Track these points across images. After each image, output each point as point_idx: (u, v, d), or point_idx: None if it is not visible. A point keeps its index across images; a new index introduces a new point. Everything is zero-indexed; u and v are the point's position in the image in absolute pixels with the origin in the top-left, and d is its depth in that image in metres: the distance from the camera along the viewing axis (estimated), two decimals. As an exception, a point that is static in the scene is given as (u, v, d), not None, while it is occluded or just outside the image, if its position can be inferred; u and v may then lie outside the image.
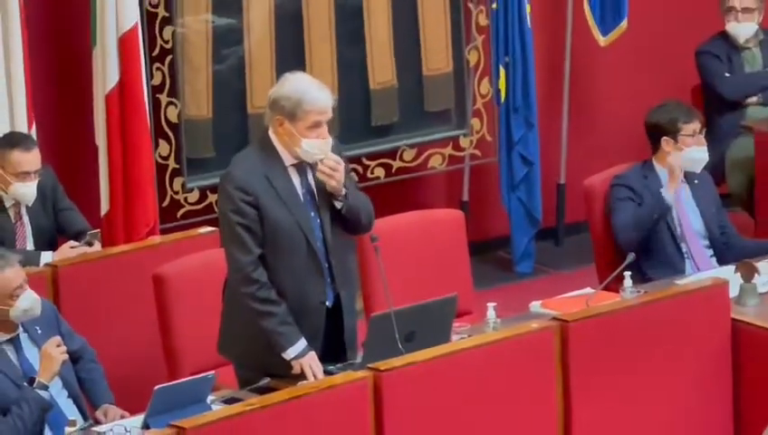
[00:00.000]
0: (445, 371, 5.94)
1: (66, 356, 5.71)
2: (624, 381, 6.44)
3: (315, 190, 5.93)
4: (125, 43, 8.21)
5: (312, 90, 5.71)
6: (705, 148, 7.74)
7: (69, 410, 5.70)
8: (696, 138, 7.63)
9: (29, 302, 5.79)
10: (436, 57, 9.58)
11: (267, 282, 5.79)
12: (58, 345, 5.68)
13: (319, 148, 5.59)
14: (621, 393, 6.46)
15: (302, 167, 5.76)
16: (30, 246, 7.63)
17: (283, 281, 5.82)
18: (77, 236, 7.68)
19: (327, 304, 5.85)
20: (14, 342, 5.80)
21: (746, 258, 7.32)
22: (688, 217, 7.91)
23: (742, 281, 6.92)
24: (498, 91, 9.56)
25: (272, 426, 5.49)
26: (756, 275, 6.89)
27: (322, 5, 9.36)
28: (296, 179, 5.86)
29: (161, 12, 8.56)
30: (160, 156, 8.61)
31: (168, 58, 8.69)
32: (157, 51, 8.62)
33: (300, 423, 5.55)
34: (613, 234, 7.77)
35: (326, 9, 9.30)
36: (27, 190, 7.33)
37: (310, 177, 5.86)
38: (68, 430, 5.38)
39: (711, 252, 7.95)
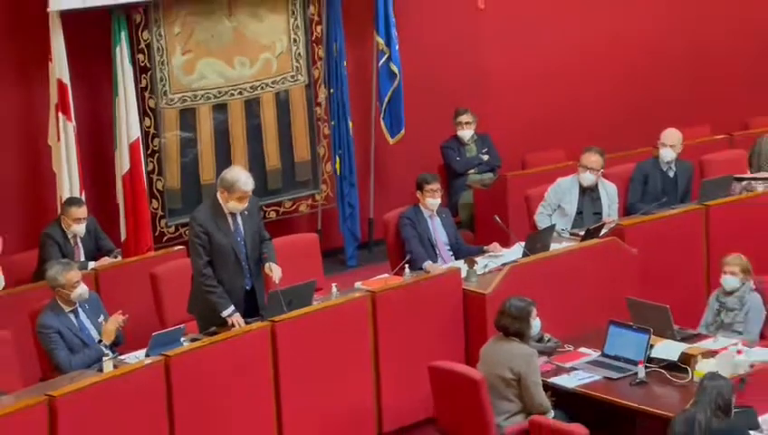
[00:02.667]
0: (310, 322, 8.69)
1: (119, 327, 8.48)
2: (405, 331, 9.15)
3: (242, 228, 8.93)
4: (133, 147, 11.10)
5: (242, 178, 8.68)
6: (439, 198, 10.91)
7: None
8: (434, 193, 10.65)
9: (82, 290, 8.44)
10: (302, 151, 12.56)
11: (212, 275, 8.67)
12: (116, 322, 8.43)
13: (239, 208, 8.75)
14: (404, 336, 9.15)
15: (234, 215, 8.75)
16: (82, 258, 10.01)
17: (221, 275, 8.72)
18: (108, 253, 10.51)
19: (247, 288, 8.95)
20: (75, 312, 8.45)
21: (470, 256, 10.35)
22: (439, 234, 10.79)
23: (467, 268, 9.86)
24: (335, 169, 12.78)
25: (217, 354, 8.16)
26: (475, 264, 9.87)
27: (239, 124, 12.13)
28: (231, 221, 8.83)
29: (152, 129, 11.48)
30: (153, 207, 11.56)
31: (156, 155, 11.63)
32: (150, 150, 11.53)
33: (231, 351, 8.24)
34: (404, 245, 10.66)
35: (241, 126, 12.13)
36: (79, 229, 9.97)
37: (239, 219, 8.87)
38: (105, 359, 7.94)
39: (451, 253, 10.83)
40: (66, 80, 10.69)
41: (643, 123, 12.43)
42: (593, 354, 9.16)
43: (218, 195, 8.84)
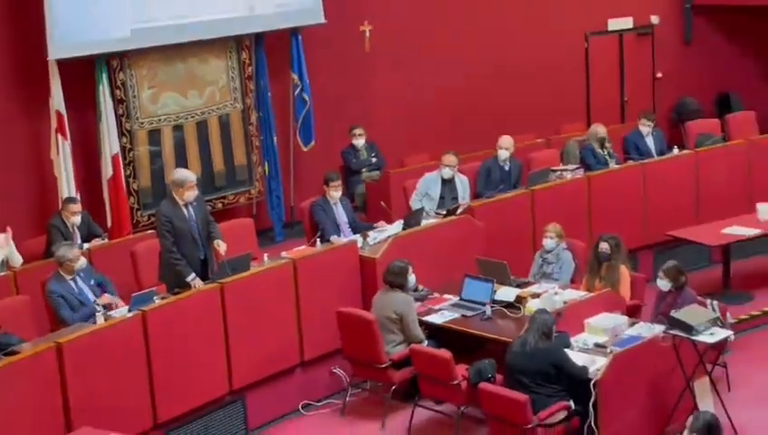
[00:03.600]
0: (249, 282, 8.70)
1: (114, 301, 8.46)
2: (318, 286, 9.19)
3: (194, 215, 8.95)
4: (114, 158, 11.06)
5: (186, 174, 9.02)
6: (340, 191, 10.83)
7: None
8: (336, 187, 10.67)
9: (82, 262, 8.54)
10: (240, 158, 12.25)
11: (177, 251, 8.74)
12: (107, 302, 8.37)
13: (191, 196, 8.84)
14: (318, 290, 9.17)
15: (187, 205, 8.77)
16: (78, 241, 9.69)
17: (182, 250, 8.76)
18: (97, 236, 10.27)
19: (201, 257, 8.99)
20: (74, 280, 8.43)
21: (364, 231, 10.32)
22: (341, 216, 10.69)
23: (362, 240, 9.97)
24: (264, 171, 12.53)
25: (181, 308, 8.20)
26: (368, 237, 9.99)
27: (192, 140, 11.90)
28: (186, 211, 8.88)
29: (128, 145, 11.29)
30: (130, 202, 11.38)
31: (132, 164, 11.41)
32: (127, 160, 11.31)
33: (192, 305, 8.28)
34: (317, 225, 10.50)
35: (194, 141, 11.89)
36: (76, 220, 9.82)
37: (191, 209, 8.92)
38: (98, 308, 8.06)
39: (350, 230, 10.68)
40: (62, 110, 10.66)
41: (485, 130, 12.33)
42: (454, 299, 9.29)
43: (173, 193, 8.90)
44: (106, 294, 8.70)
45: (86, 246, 9.72)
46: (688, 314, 7.84)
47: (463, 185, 11.37)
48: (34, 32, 10.44)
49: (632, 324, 8.50)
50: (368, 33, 12.76)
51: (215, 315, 8.45)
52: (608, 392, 7.65)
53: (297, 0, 12.13)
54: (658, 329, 8.25)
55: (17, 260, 9.39)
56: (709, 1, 15.30)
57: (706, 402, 8.10)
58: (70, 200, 10.16)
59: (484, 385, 7.68)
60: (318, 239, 10.16)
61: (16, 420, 6.92)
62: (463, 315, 8.97)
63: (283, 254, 9.66)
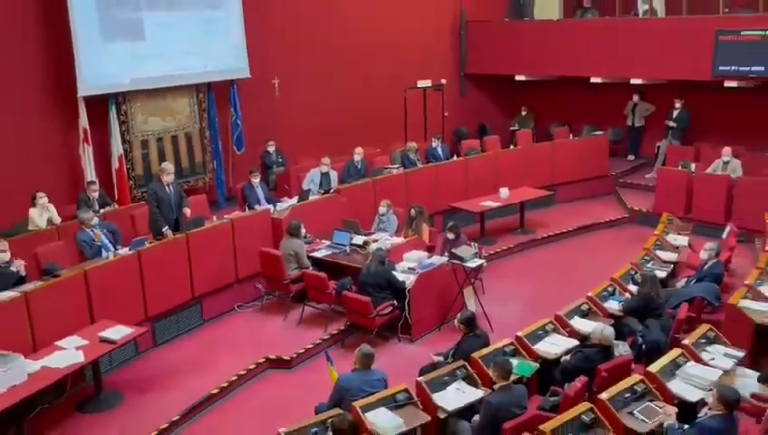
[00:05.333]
0: (204, 234, 8.44)
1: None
2: (248, 237, 8.85)
3: (172, 191, 8.54)
4: (120, 158, 10.51)
5: (168, 165, 8.71)
6: (259, 178, 10.24)
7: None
8: (257, 176, 10.14)
9: (95, 221, 8.16)
10: (198, 157, 11.57)
11: (159, 213, 8.36)
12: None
13: (170, 179, 8.46)
14: (247, 239, 8.83)
15: (168, 185, 8.38)
16: (96, 208, 9.25)
17: (163, 213, 8.38)
18: (109, 205, 9.82)
19: (174, 218, 8.53)
20: (92, 231, 8.03)
21: (274, 203, 9.95)
22: (261, 194, 10.15)
23: (273, 208, 9.62)
24: (214, 166, 11.78)
25: (162, 249, 7.99)
26: (277, 206, 9.68)
27: (169, 147, 11.23)
28: (167, 188, 8.47)
29: (128, 150, 10.65)
30: (130, 184, 10.69)
31: (130, 161, 10.71)
32: (128, 159, 10.64)
33: (168, 247, 8.08)
34: (246, 199, 10.23)
35: (170, 147, 11.21)
36: (96, 195, 9.46)
37: (170, 187, 8.49)
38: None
39: (266, 202, 10.09)
40: (86, 126, 10.20)
41: (347, 143, 12.00)
42: (328, 243, 9.22)
43: (160, 176, 8.60)
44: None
45: (102, 211, 9.35)
46: (461, 250, 8.25)
47: (334, 176, 11.04)
48: (70, 78, 9.96)
49: (429, 257, 8.58)
50: (277, 84, 12.47)
51: (183, 253, 8.34)
52: (415, 296, 7.86)
53: (233, 63, 11.70)
54: (444, 260, 8.37)
55: (57, 219, 9.03)
56: (473, 72, 15.22)
57: (471, 302, 8.31)
58: (91, 183, 9.77)
59: (345, 293, 7.78)
60: (246, 207, 10.02)
61: (60, 317, 6.80)
62: (333, 252, 8.97)
63: (225, 216, 9.33)
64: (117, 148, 10.61)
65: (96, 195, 9.51)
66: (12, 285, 6.97)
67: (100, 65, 10.13)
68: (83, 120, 10.13)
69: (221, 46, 11.52)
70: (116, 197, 10.50)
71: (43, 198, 8.85)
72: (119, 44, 10.31)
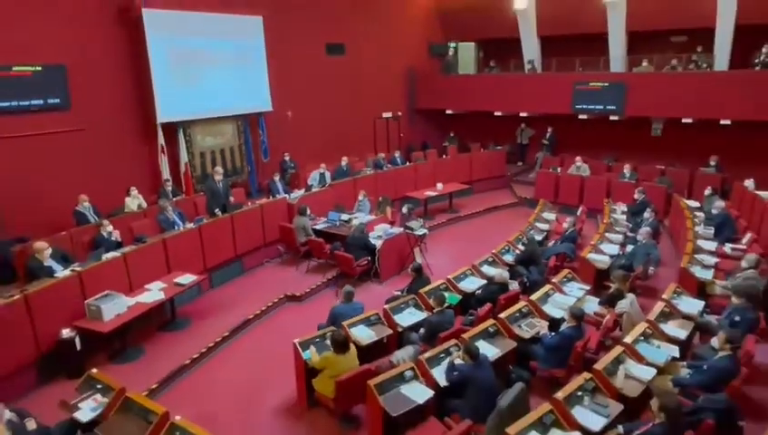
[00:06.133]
0: (243, 215, 8.10)
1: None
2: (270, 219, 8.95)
3: (221, 186, 8.26)
4: (186, 165, 10.06)
5: (218, 168, 8.49)
6: (279, 177, 9.95)
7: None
8: (276, 176, 9.84)
9: (169, 207, 7.74)
10: (238, 163, 10.96)
11: (213, 200, 8.19)
12: None
13: (219, 177, 8.24)
14: (259, 221, 8.81)
15: (219, 181, 8.41)
16: (170, 197, 8.80)
17: (215, 200, 8.22)
18: (179, 195, 9.22)
19: (224, 202, 8.31)
20: (167, 211, 8.20)
21: (289, 193, 9.63)
22: (280, 187, 9.76)
23: (289, 196, 9.20)
24: (248, 169, 11.19)
25: (215, 225, 7.75)
26: (291, 195, 9.32)
27: (218, 157, 10.64)
28: (218, 184, 8.29)
29: (190, 159, 10.18)
30: (192, 183, 10.11)
31: (191, 167, 10.20)
32: (191, 165, 10.12)
33: (219, 223, 7.78)
34: (271, 190, 9.97)
35: (219, 157, 10.65)
36: (169, 189, 8.96)
37: (221, 183, 8.23)
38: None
39: (284, 192, 9.74)
40: (163, 143, 9.79)
41: (337, 153, 11.66)
42: (325, 219, 8.95)
43: (213, 175, 8.47)
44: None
45: (174, 199, 8.94)
46: (412, 223, 8.21)
47: (328, 176, 10.68)
48: (151, 110, 9.61)
49: (391, 228, 8.42)
50: (289, 114, 12.05)
51: (229, 226, 8.08)
52: (383, 253, 7.77)
53: (262, 101, 11.34)
54: (401, 230, 8.26)
55: (144, 205, 8.73)
56: (419, 107, 14.92)
57: (419, 257, 8.29)
58: (166, 180, 9.42)
59: (336, 252, 7.65)
60: (270, 196, 9.71)
61: (147, 269, 6.64)
62: (328, 226, 8.75)
63: (257, 202, 8.97)
64: (183, 157, 10.26)
65: (170, 189, 9.22)
66: (114, 248, 6.89)
67: (171, 102, 9.82)
68: (161, 139, 9.79)
69: (252, 90, 11.20)
70: (183, 189, 10.17)
71: (134, 190, 8.64)
72: (183, 88, 10.00)
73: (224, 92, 10.55)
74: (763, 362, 5.02)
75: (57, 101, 8.22)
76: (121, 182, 8.92)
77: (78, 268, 5.95)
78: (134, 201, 8.55)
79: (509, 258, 7.22)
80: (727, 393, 4.00)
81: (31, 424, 3.75)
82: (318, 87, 12.60)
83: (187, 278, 6.59)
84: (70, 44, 8.27)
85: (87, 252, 6.79)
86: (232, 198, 8.76)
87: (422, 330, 5.34)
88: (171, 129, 9.97)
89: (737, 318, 4.91)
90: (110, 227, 7.11)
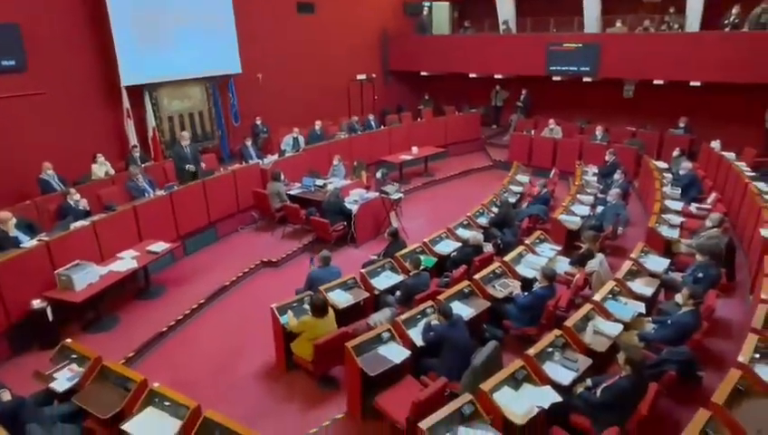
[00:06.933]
0: (215, 181, 8.06)
1: None
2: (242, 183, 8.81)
3: (189, 150, 8.25)
4: (153, 129, 9.81)
5: (185, 134, 8.73)
6: (251, 142, 9.63)
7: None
8: (248, 140, 9.57)
9: (138, 174, 7.57)
10: (207, 128, 10.78)
11: (181, 165, 8.26)
12: None
13: (187, 141, 8.77)
14: (234, 185, 8.98)
15: (186, 146, 8.51)
16: (139, 163, 8.47)
17: (183, 162, 8.28)
18: (147, 162, 8.93)
19: (194, 170, 8.37)
20: (137, 179, 7.98)
21: (262, 157, 9.47)
22: (253, 152, 9.63)
23: (261, 161, 9.03)
24: (218, 133, 10.99)
25: (187, 191, 7.63)
26: (264, 160, 9.11)
27: (187, 121, 10.42)
28: (184, 148, 8.49)
29: (158, 123, 9.92)
30: (161, 148, 9.80)
31: (159, 129, 9.96)
32: (158, 129, 9.87)
33: (190, 190, 7.70)
34: (242, 155, 9.74)
35: (188, 122, 10.40)
36: (137, 155, 8.60)
37: (187, 147, 8.27)
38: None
39: (257, 157, 9.50)
40: (128, 107, 9.51)
41: (310, 116, 11.54)
42: (300, 184, 8.81)
43: (180, 140, 8.42)
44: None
45: (143, 165, 8.65)
46: (387, 188, 8.24)
47: (302, 140, 10.46)
48: (114, 73, 9.30)
49: (367, 193, 8.38)
50: (260, 77, 11.77)
51: (201, 193, 7.97)
52: (359, 218, 7.78)
53: (231, 63, 11.00)
54: (376, 194, 8.23)
55: (112, 172, 8.47)
56: (393, 69, 14.70)
57: (395, 221, 8.30)
58: (134, 146, 9.05)
59: (312, 217, 7.63)
60: (243, 162, 9.44)
61: (118, 237, 6.57)
62: (303, 191, 8.66)
63: (229, 168, 8.78)
64: (151, 122, 9.96)
65: (138, 155, 8.87)
66: (82, 217, 6.70)
67: (136, 64, 9.48)
68: (126, 103, 9.48)
69: (220, 51, 10.83)
70: (152, 156, 9.88)
71: (101, 157, 8.37)
72: (148, 49, 9.63)
73: (190, 54, 10.22)
74: (722, 316, 5.23)
75: (12, 63, 7.90)
76: (87, 149, 8.63)
77: (45, 238, 5.83)
78: (101, 168, 8.31)
79: (483, 221, 7.24)
80: (689, 346, 4.17)
81: (5, 395, 3.71)
82: (289, 48, 12.31)
83: (159, 246, 6.51)
84: (22, 1, 7.90)
85: (54, 221, 6.64)
86: (203, 164, 8.59)
87: (398, 292, 5.38)
88: (137, 92, 9.65)
89: (700, 275, 5.10)
90: (78, 196, 6.95)
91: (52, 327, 5.34)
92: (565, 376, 3.96)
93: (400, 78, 15.18)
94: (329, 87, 13.03)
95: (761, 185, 7.01)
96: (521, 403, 3.62)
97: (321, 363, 4.59)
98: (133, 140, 9.55)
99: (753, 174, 7.56)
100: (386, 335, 4.43)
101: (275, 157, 9.57)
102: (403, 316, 4.65)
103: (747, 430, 3.20)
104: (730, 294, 5.67)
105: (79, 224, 6.33)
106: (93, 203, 7.18)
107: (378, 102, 14.15)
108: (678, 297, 4.59)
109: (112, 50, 9.06)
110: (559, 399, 3.69)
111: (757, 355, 3.83)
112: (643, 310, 4.76)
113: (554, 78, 12.08)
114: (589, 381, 3.92)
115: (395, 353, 4.30)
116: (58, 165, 7.78)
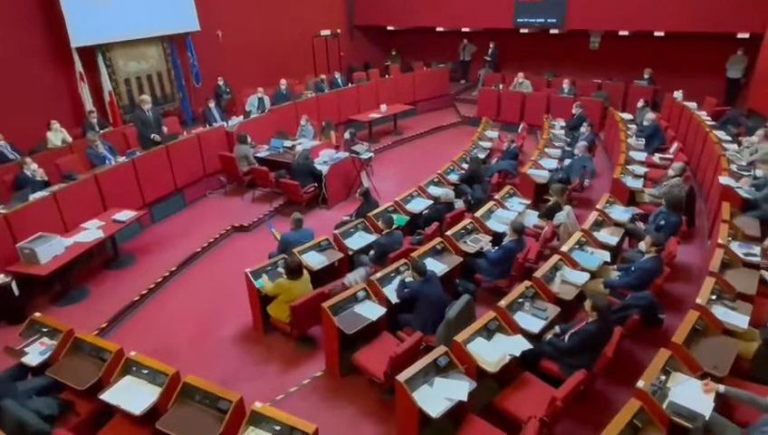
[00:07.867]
0: (179, 145, 7.82)
1: None
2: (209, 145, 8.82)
3: (151, 114, 7.79)
4: (110, 93, 9.51)
5: (146, 97, 7.90)
6: (213, 104, 9.50)
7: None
8: (211, 102, 9.41)
9: (97, 140, 7.30)
10: (167, 90, 10.54)
11: (143, 131, 7.76)
12: None
13: (148, 105, 8.51)
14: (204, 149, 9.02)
15: (147, 110, 7.75)
16: (97, 129, 8.38)
17: (147, 129, 7.77)
18: (106, 127, 8.80)
19: (156, 136, 7.71)
20: (96, 146, 7.28)
21: (227, 120, 9.32)
22: (217, 114, 9.36)
23: (226, 124, 8.75)
24: (179, 95, 10.72)
25: (150, 156, 7.48)
26: (229, 122, 9.21)
27: (146, 83, 10.13)
28: (146, 113, 8.02)
29: (114, 86, 9.64)
30: (119, 112, 9.64)
31: (116, 92, 9.69)
32: (115, 93, 9.60)
33: (154, 155, 7.55)
34: (206, 117, 9.80)
35: (147, 84, 10.14)
36: (95, 121, 8.48)
37: (149, 112, 7.78)
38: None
39: (221, 119, 9.24)
40: (81, 70, 9.15)
41: (275, 75, 11.20)
42: (267, 147, 8.73)
43: (140, 104, 7.94)
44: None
45: (102, 131, 8.43)
46: (357, 147, 8.22)
47: (267, 100, 10.19)
48: (63, 33, 8.85)
49: (337, 153, 8.32)
50: (220, 34, 11.42)
51: (165, 158, 7.80)
52: (329, 179, 7.80)
53: (187, 20, 10.62)
54: (346, 155, 8.18)
55: (69, 139, 8.19)
56: (359, 23, 14.43)
57: (366, 182, 8.27)
58: (90, 112, 8.85)
59: (282, 180, 7.64)
60: (207, 125, 9.26)
61: (82, 207, 6.43)
62: (271, 153, 8.55)
63: (192, 132, 8.59)
64: (106, 85, 9.60)
65: (95, 121, 8.64)
66: (41, 188, 6.49)
67: (86, 23, 9.02)
68: (78, 66, 9.08)
69: (175, 7, 10.39)
70: (110, 121, 9.57)
71: (56, 124, 8.04)
72: (97, 6, 9.17)
73: (144, 11, 9.87)
74: (683, 261, 5.44)
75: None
76: (39, 116, 8.30)
77: (3, 211, 5.68)
78: (57, 136, 8.02)
79: (454, 178, 7.27)
80: (651, 291, 4.34)
81: (-25, 373, 3.72)
82: (249, 3, 11.91)
83: (125, 214, 6.41)
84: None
85: (10, 193, 6.46)
86: (165, 128, 8.33)
87: (372, 252, 5.42)
88: (89, 53, 9.29)
89: (662, 222, 5.25)
90: (35, 166, 6.71)
91: (18, 302, 5.25)
92: (535, 325, 4.10)
93: (367, 33, 14.89)
94: (293, 44, 12.72)
95: (720, 134, 7.25)
96: (493, 352, 3.73)
97: (298, 324, 4.62)
98: (89, 105, 9.20)
99: (714, 123, 7.81)
100: (361, 294, 4.48)
101: (240, 119, 9.36)
102: (378, 275, 4.70)
103: (704, 365, 3.39)
104: (690, 240, 5.86)
105: (38, 195, 6.14)
106: (51, 173, 6.96)
107: (344, 59, 13.87)
108: (642, 245, 4.73)
109: (58, 6, 8.68)
110: (529, 346, 3.82)
111: (713, 297, 4.00)
112: (608, 259, 4.90)
113: (522, 30, 12.05)
114: (557, 329, 4.08)
115: (371, 311, 4.37)
116: (9, 134, 7.52)
